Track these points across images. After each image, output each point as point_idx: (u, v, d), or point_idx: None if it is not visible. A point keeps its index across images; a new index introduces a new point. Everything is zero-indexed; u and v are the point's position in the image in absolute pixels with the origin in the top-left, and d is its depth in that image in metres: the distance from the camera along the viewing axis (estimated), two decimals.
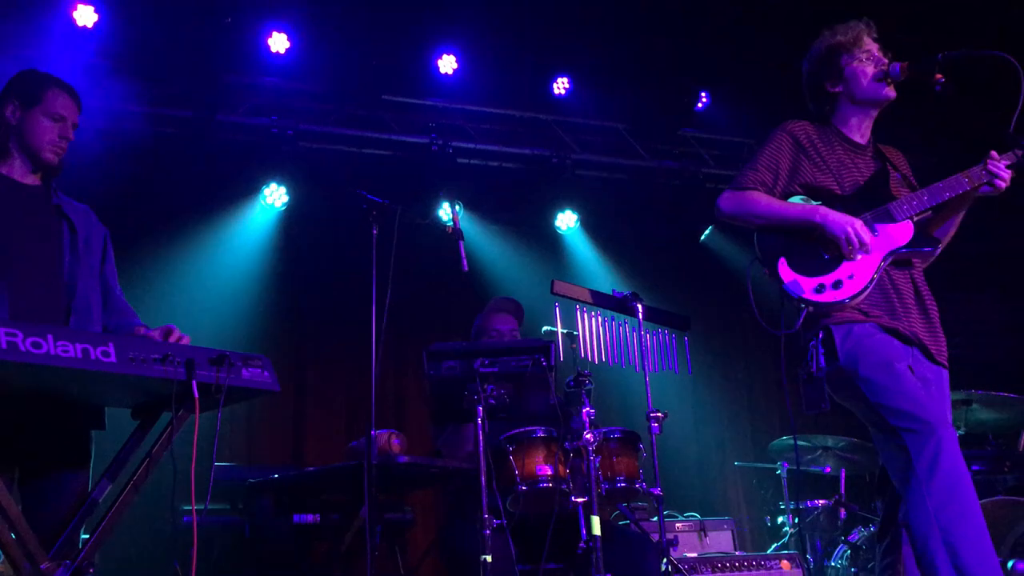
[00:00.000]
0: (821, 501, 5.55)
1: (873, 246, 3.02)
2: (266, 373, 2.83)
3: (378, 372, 3.48)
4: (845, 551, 5.23)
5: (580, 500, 3.65)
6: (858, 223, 3.00)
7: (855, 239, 2.97)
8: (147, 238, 6.16)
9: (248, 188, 6.86)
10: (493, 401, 3.48)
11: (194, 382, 2.61)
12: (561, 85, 7.33)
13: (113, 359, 2.52)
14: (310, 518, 4.51)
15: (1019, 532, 3.91)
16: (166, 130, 6.44)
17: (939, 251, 3.15)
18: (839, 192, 3.14)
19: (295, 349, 6.87)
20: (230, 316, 6.38)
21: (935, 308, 3.14)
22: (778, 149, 3.19)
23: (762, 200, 3.12)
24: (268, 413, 6.55)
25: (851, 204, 3.11)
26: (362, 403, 6.71)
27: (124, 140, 5.93)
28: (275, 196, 6.90)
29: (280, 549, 4.50)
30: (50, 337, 2.43)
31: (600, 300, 4.20)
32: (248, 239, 6.83)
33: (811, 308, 3.03)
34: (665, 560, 3.80)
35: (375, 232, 3.67)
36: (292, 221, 6.96)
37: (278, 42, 6.45)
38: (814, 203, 3.13)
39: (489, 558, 3.29)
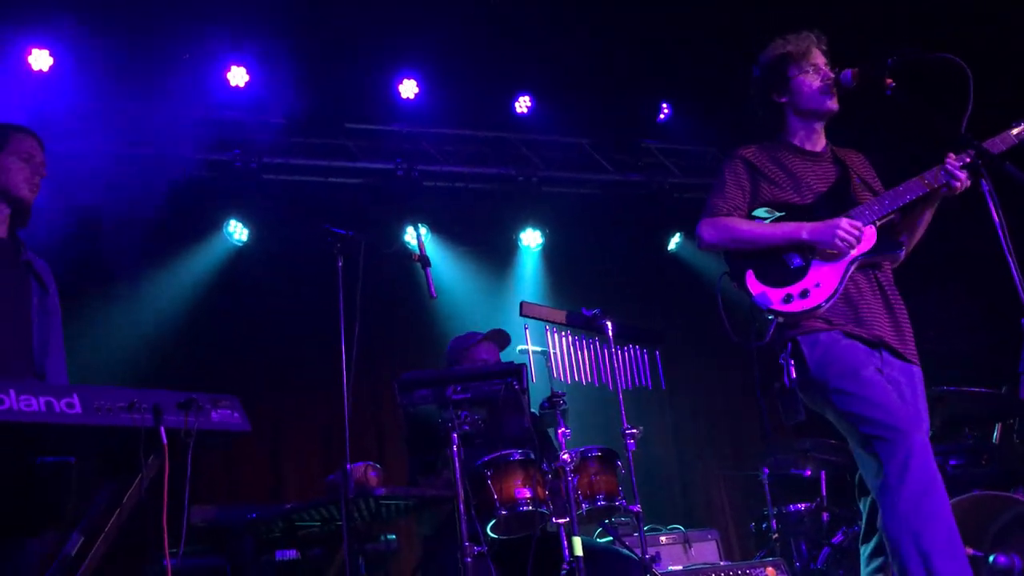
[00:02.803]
0: (804, 505, 5.57)
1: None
2: (236, 414, 2.80)
3: (352, 404, 3.45)
4: (831, 553, 5.24)
5: (561, 521, 3.64)
6: (843, 221, 3.03)
7: (849, 238, 3.01)
8: (105, 279, 6.10)
9: (210, 223, 6.81)
10: (468, 427, 3.46)
11: (162, 428, 2.57)
12: (523, 103, 7.36)
13: (78, 410, 2.48)
14: (292, 554, 4.45)
15: (999, 526, 3.93)
16: (124, 167, 6.37)
17: (904, 253, 3.17)
18: (801, 203, 3.17)
19: (268, 385, 6.79)
20: (198, 356, 6.32)
21: (902, 307, 3.16)
22: (737, 174, 3.23)
23: (743, 225, 3.15)
24: (246, 451, 6.48)
25: (814, 213, 3.13)
26: (338, 436, 6.66)
27: (83, 177, 5.87)
28: (237, 231, 6.85)
29: None
30: (12, 392, 2.38)
31: (569, 320, 4.20)
32: (212, 276, 6.77)
33: (780, 319, 3.05)
34: (649, 575, 3.79)
35: (340, 264, 3.65)
36: (256, 255, 6.91)
37: (237, 76, 6.44)
38: (779, 214, 3.16)
39: None
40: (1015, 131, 3.11)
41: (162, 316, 6.41)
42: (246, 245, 6.88)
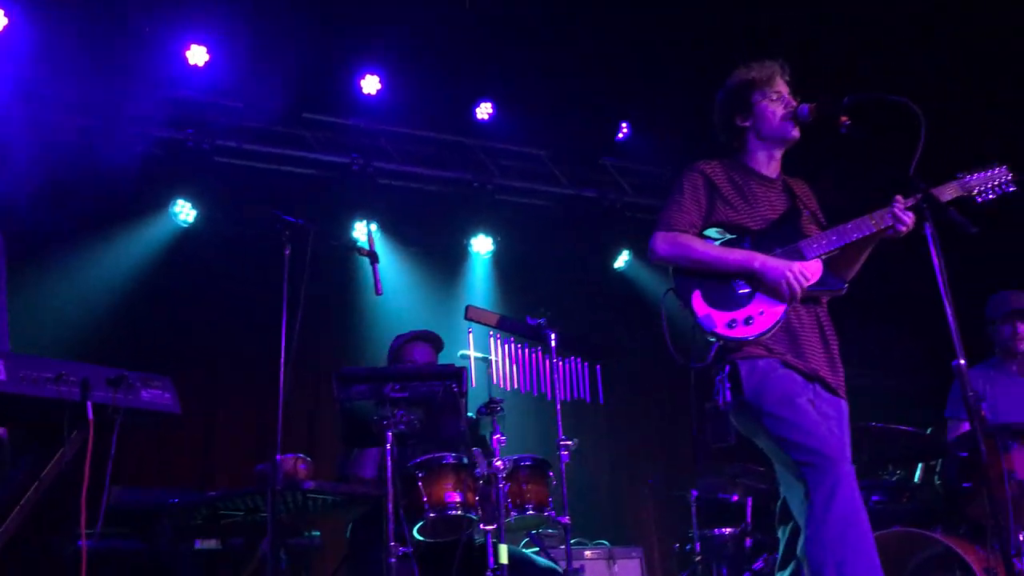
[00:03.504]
0: (728, 529, 5.63)
1: None
2: (167, 395, 2.74)
3: (287, 395, 3.41)
4: None
5: (489, 528, 3.63)
6: (795, 266, 3.06)
7: (795, 284, 3.04)
8: (44, 249, 5.94)
9: (157, 202, 6.69)
10: (403, 427, 3.44)
11: (89, 403, 2.51)
12: (484, 110, 7.36)
13: (3, 377, 2.41)
14: (211, 543, 4.38)
15: (917, 562, 4.01)
16: (71, 138, 6.22)
17: (845, 289, 3.24)
18: (752, 227, 3.21)
19: (204, 370, 6.68)
20: (133, 335, 6.19)
21: (836, 342, 3.23)
22: (696, 189, 3.26)
23: (698, 244, 3.18)
24: (176, 435, 6.35)
25: (764, 240, 3.18)
26: (272, 426, 6.56)
27: (27, 144, 5.72)
28: (184, 211, 6.74)
29: (179, 575, 4.35)
30: None
31: (513, 327, 4.21)
32: (155, 255, 6.63)
33: (722, 342, 3.09)
34: None
35: (287, 252, 3.61)
36: (202, 238, 6.80)
37: (197, 55, 6.33)
38: (730, 237, 3.20)
39: None
40: (960, 182, 3.20)
41: (100, 291, 6.27)
42: (192, 227, 6.76)
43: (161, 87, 6.46)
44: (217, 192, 6.70)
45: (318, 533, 5.44)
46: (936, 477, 4.68)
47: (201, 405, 6.43)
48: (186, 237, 6.76)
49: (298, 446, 5.09)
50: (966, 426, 4.67)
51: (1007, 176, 3.22)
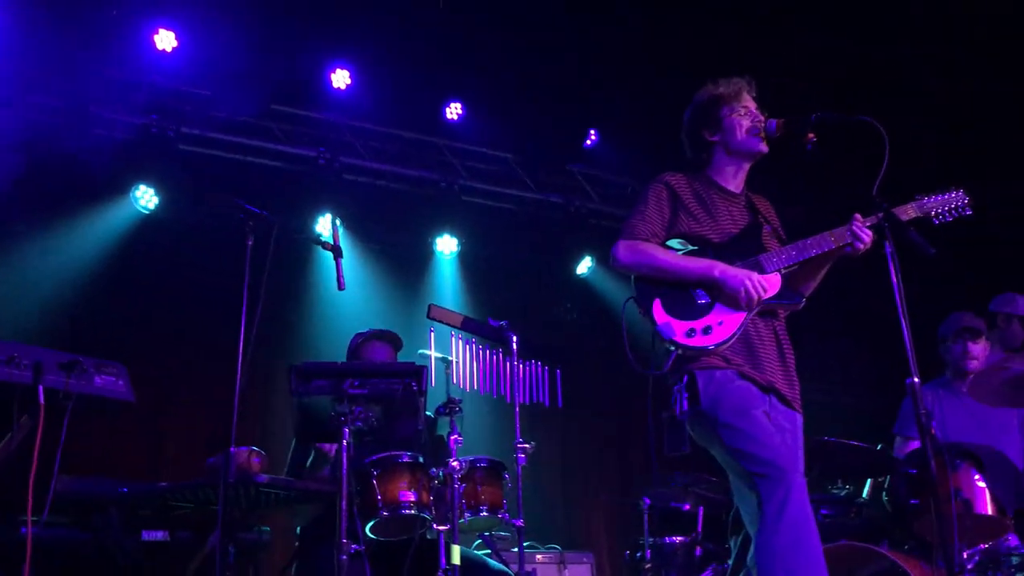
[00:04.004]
0: (679, 538, 5.66)
1: None
2: (121, 382, 2.71)
3: (243, 387, 3.37)
4: None
5: (442, 528, 3.62)
6: (755, 276, 3.10)
7: (754, 294, 3.07)
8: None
9: (117, 187, 6.58)
10: (360, 423, 3.42)
11: (40, 387, 2.46)
12: (454, 110, 7.36)
13: None
14: (159, 535, 4.31)
15: (863, 575, 4.08)
16: (32, 116, 6.10)
17: (803, 304, 3.28)
18: (714, 240, 3.24)
19: (159, 359, 6.59)
20: (89, 320, 6.08)
21: (792, 356, 3.27)
22: (659, 199, 3.28)
23: (659, 253, 3.20)
24: (127, 423, 6.25)
25: (725, 253, 3.21)
26: (225, 418, 6.49)
27: None
28: (146, 198, 6.64)
29: (125, 566, 4.28)
30: None
31: (475, 328, 4.21)
32: (113, 241, 6.52)
33: (680, 351, 3.11)
34: None
35: (250, 243, 3.57)
36: (163, 225, 6.70)
37: (165, 40, 6.25)
38: (692, 248, 3.23)
39: None
40: (919, 203, 3.26)
41: (56, 275, 6.15)
42: (153, 213, 6.67)
43: (127, 70, 6.37)
44: (180, 180, 6.61)
45: (268, 529, 5.38)
46: (884, 493, 4.74)
47: (154, 394, 6.33)
48: (147, 224, 6.67)
49: (250, 440, 5.04)
50: (914, 444, 4.76)
51: (964, 200, 3.30)
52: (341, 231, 6.98)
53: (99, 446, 6.14)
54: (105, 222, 6.52)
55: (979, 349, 4.76)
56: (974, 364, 4.73)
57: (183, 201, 6.66)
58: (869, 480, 4.88)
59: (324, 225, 6.94)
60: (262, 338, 3.45)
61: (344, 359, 4.51)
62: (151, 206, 6.65)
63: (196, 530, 4.36)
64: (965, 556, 3.96)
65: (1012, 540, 4.14)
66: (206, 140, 6.80)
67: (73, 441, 2.56)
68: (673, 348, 3.11)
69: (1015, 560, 4.12)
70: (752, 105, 3.34)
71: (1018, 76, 6.37)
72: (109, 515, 4.27)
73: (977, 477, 3.95)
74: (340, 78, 6.89)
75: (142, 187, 6.61)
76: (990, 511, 3.90)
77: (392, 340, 4.42)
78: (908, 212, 3.23)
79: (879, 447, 4.70)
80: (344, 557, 3.23)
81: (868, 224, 3.14)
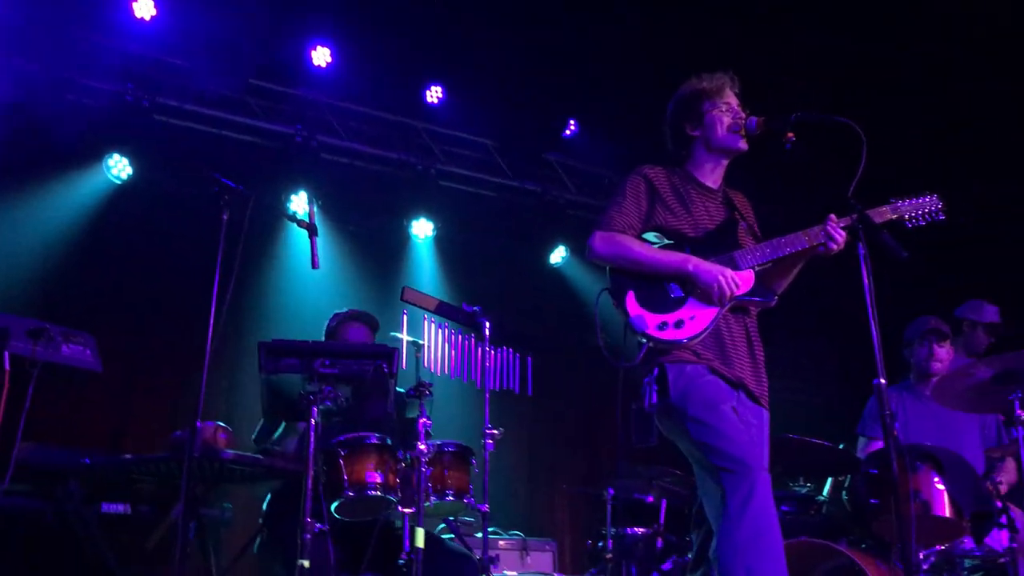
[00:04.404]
0: (641, 529, 5.71)
1: None
2: (88, 352, 2.69)
3: (211, 363, 3.34)
4: None
5: (407, 511, 3.62)
6: (728, 272, 3.11)
7: (727, 289, 3.09)
8: None
9: (90, 155, 6.48)
10: (330, 403, 3.41)
11: (6, 353, 2.43)
12: (435, 94, 7.33)
13: None
14: (120, 508, 4.28)
15: (822, 572, 4.13)
16: (5, 81, 5.99)
17: (775, 301, 3.31)
18: (690, 235, 3.26)
19: (127, 330, 6.52)
20: (57, 289, 6.00)
21: (762, 353, 3.30)
22: (636, 192, 3.30)
23: (635, 245, 3.21)
24: (93, 394, 6.18)
25: (700, 248, 3.23)
26: (191, 393, 6.44)
27: None
28: (119, 167, 6.55)
29: (85, 538, 4.24)
30: None
31: (449, 312, 4.20)
32: (84, 210, 6.43)
33: (652, 344, 3.12)
34: None
35: (225, 218, 3.53)
36: (136, 195, 6.62)
37: (144, 8, 6.16)
38: (668, 242, 3.24)
39: (307, 563, 3.21)
40: (893, 206, 3.30)
41: (25, 242, 6.06)
42: (126, 184, 6.58)
43: (103, 37, 6.28)
44: (155, 150, 6.53)
45: (230, 506, 5.35)
46: (844, 492, 4.80)
47: (121, 366, 6.27)
48: (120, 193, 6.58)
49: (216, 416, 5.01)
50: (876, 444, 4.82)
51: (938, 205, 3.33)
52: (316, 210, 6.98)
53: (63, 415, 6.07)
54: (77, 190, 6.43)
55: (944, 352, 4.83)
56: (938, 367, 4.80)
57: (157, 172, 6.58)
58: (830, 478, 4.94)
59: (299, 203, 6.89)
60: (232, 313, 3.42)
61: (315, 338, 4.49)
62: (124, 176, 6.56)
63: (157, 504, 4.33)
64: (921, 557, 4.02)
65: (968, 543, 4.20)
66: (182, 112, 6.71)
67: (38, 409, 2.53)
68: (645, 341, 3.13)
69: (968, 563, 4.20)
70: (734, 102, 3.36)
71: (1002, 77, 6.42)
72: (70, 485, 4.23)
73: (936, 479, 4.00)
74: (321, 56, 6.83)
75: (116, 156, 6.52)
76: (948, 513, 3.95)
77: (369, 321, 4.40)
78: (882, 215, 3.26)
79: (841, 446, 4.76)
80: (308, 536, 3.22)
81: (842, 225, 3.17)
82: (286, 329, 6.52)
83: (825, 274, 3.42)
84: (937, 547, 4.14)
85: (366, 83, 7.11)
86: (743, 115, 3.31)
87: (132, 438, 6.26)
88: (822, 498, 4.90)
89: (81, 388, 6.05)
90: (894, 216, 3.30)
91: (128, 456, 4.04)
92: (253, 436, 4.15)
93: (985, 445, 4.76)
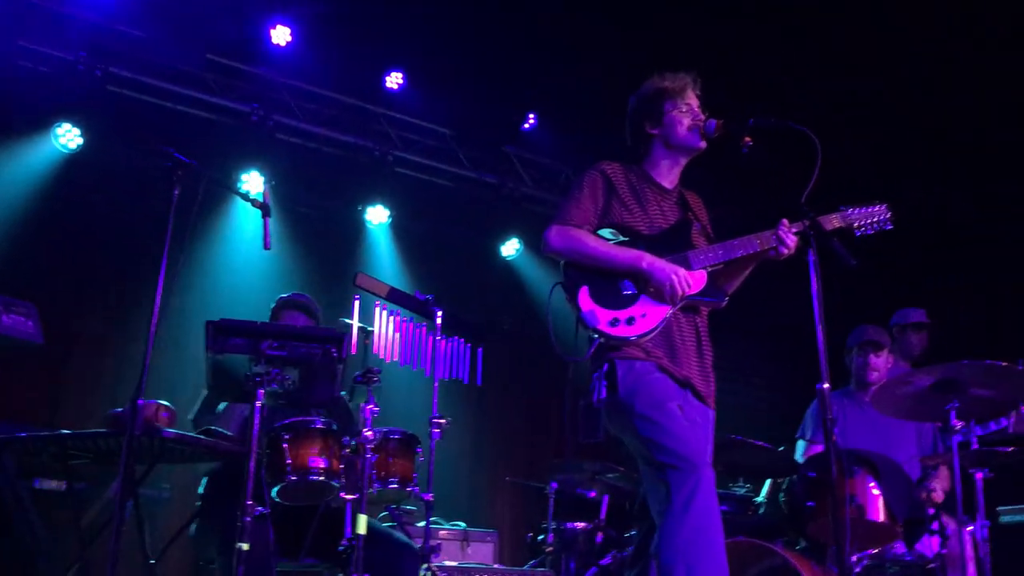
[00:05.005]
0: (581, 524, 5.73)
1: None
2: (30, 323, 2.62)
3: (155, 339, 3.28)
4: (597, 573, 5.42)
5: (350, 497, 3.60)
6: (681, 271, 3.14)
7: (679, 288, 3.11)
8: None
9: (39, 124, 6.32)
10: (276, 385, 3.36)
11: None
12: (394, 79, 7.27)
13: None
14: (54, 484, 4.19)
15: (757, 571, 4.19)
16: None
17: (726, 302, 3.34)
18: (645, 233, 3.28)
19: (68, 303, 6.37)
20: None
21: (711, 353, 3.34)
22: (594, 187, 3.31)
23: (591, 241, 3.22)
24: (30, 366, 6.03)
25: (654, 246, 3.25)
26: (133, 370, 6.32)
27: None
28: (68, 137, 6.40)
29: (17, 513, 4.14)
30: None
31: (402, 300, 4.18)
32: (29, 178, 6.26)
33: (602, 339, 3.14)
34: (425, 566, 3.81)
35: (176, 193, 3.47)
36: (85, 167, 6.46)
37: None
38: (623, 239, 3.26)
39: (246, 546, 3.17)
40: (842, 214, 3.35)
41: None
42: (76, 154, 6.42)
43: (57, 3, 6.12)
44: (106, 122, 6.39)
45: (168, 487, 5.28)
46: (782, 494, 4.88)
47: (60, 339, 6.13)
48: (69, 163, 6.42)
49: (158, 394, 4.92)
50: (816, 448, 4.91)
51: (886, 215, 3.40)
52: (269, 190, 6.89)
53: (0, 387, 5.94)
54: (23, 158, 6.26)
55: (880, 362, 4.94)
56: (875, 376, 4.92)
57: (109, 144, 6.44)
58: (768, 480, 5.02)
59: (253, 182, 6.79)
60: (181, 290, 3.37)
61: (262, 319, 4.43)
62: (73, 146, 6.41)
63: (93, 482, 4.25)
64: (854, 560, 4.11)
65: (899, 548, 4.31)
66: (136, 83, 6.58)
67: None
68: (596, 336, 3.14)
69: (894, 569, 4.29)
70: (695, 103, 3.39)
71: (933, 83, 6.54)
72: (4, 459, 4.12)
73: (872, 484, 4.09)
74: (280, 35, 6.74)
75: (66, 125, 6.36)
76: (882, 518, 4.04)
77: (305, 308, 4.33)
78: (832, 222, 3.32)
79: (781, 449, 4.83)
80: (248, 519, 3.18)
81: (794, 230, 3.21)
82: (233, 309, 6.44)
83: (774, 278, 3.47)
84: (870, 551, 4.23)
85: (326, 65, 7.03)
86: (703, 117, 3.34)
87: (70, 413, 6.13)
88: (760, 499, 4.97)
89: (20, 360, 5.90)
90: (844, 224, 3.35)
91: (66, 431, 3.95)
92: (190, 416, 4.07)
93: (921, 453, 4.87)
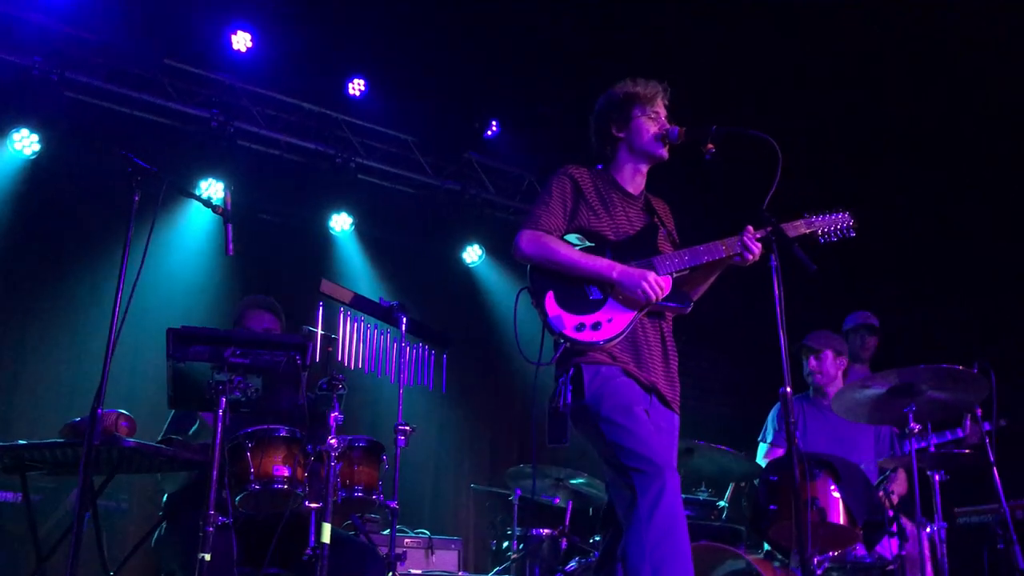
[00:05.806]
0: (546, 530, 5.73)
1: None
2: None
3: (114, 347, 3.23)
4: None
5: (314, 506, 3.56)
6: (651, 276, 3.16)
7: (651, 293, 3.13)
8: None
9: None
10: (238, 394, 3.32)
11: None
12: (357, 86, 7.25)
13: None
14: (9, 496, 4.11)
15: (719, 575, 4.23)
16: None
17: (691, 308, 3.37)
18: (611, 238, 3.30)
19: (22, 311, 6.24)
20: None
21: (676, 359, 3.36)
22: (562, 192, 3.32)
23: (562, 248, 3.23)
24: None
25: (620, 252, 3.27)
26: (90, 379, 6.21)
27: None
28: (25, 143, 6.28)
29: None
30: None
31: (366, 306, 4.16)
32: None
33: (568, 344, 3.15)
34: (390, 574, 3.78)
35: (136, 199, 3.42)
36: (43, 172, 6.35)
37: None
38: (589, 244, 3.28)
39: (208, 556, 3.12)
40: (806, 221, 3.40)
41: None
42: (33, 160, 6.31)
43: (10, 5, 6.01)
44: (63, 127, 6.29)
45: (126, 498, 5.19)
46: (744, 498, 4.92)
47: (13, 347, 6.02)
48: (27, 169, 6.30)
49: (116, 403, 4.84)
50: (777, 451, 4.97)
51: (849, 222, 3.45)
52: (230, 196, 6.81)
53: None
54: None
55: (817, 365, 5.03)
56: (819, 379, 5.01)
57: (67, 149, 6.34)
58: (731, 484, 5.07)
59: (213, 188, 6.72)
60: (141, 298, 3.32)
61: (223, 326, 4.38)
62: (30, 152, 6.29)
63: (50, 494, 4.17)
64: (815, 562, 4.15)
65: (859, 550, 4.36)
66: (93, 89, 6.50)
67: None
68: (562, 341, 3.16)
69: (854, 572, 4.34)
70: (663, 112, 3.42)
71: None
72: None
73: (833, 487, 4.13)
74: (241, 40, 6.69)
75: (23, 131, 6.25)
76: (842, 521, 4.08)
77: (271, 307, 4.29)
78: (796, 228, 3.37)
79: (743, 454, 4.88)
80: (211, 528, 3.14)
81: (758, 237, 3.24)
82: (194, 316, 6.36)
83: (736, 284, 3.50)
84: (831, 553, 4.28)
85: (287, 71, 6.99)
86: (668, 126, 3.37)
87: (24, 423, 6.00)
88: (723, 503, 5.01)
89: None
90: (807, 230, 3.40)
91: (22, 442, 3.88)
92: (159, 437, 4.00)
93: (879, 456, 4.95)
